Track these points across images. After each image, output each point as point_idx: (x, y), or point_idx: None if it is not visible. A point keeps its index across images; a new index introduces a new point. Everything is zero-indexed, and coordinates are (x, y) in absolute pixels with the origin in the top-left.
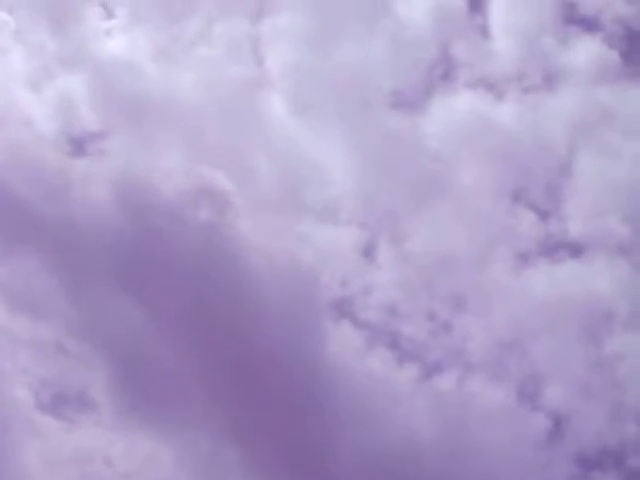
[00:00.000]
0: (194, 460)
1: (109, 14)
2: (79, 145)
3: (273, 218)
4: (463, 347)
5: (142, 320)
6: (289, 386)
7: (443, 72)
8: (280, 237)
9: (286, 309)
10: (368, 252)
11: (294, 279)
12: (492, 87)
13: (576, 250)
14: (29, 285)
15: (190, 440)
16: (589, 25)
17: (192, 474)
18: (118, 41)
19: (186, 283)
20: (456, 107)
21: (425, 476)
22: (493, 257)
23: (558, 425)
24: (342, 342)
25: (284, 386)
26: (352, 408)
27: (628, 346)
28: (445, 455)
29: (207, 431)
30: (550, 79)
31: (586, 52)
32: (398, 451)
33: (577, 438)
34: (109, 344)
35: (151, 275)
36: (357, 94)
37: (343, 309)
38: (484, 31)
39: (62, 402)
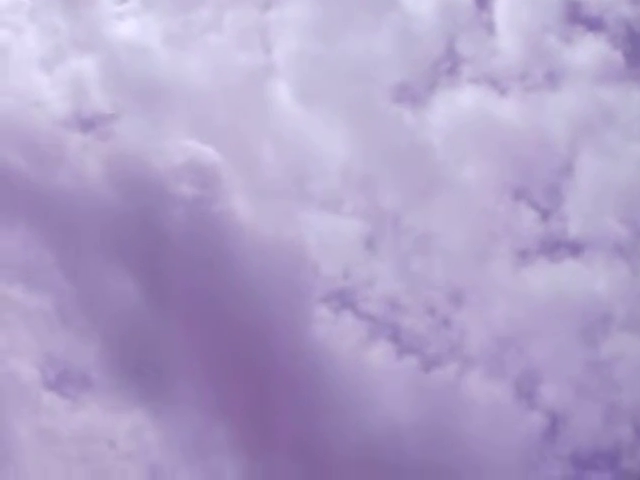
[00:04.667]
0: (184, 437)
1: None
2: (88, 125)
3: (275, 204)
4: (461, 342)
5: (135, 295)
6: (281, 370)
7: (448, 67)
8: (281, 223)
9: (282, 293)
10: (370, 244)
11: (292, 265)
12: (496, 83)
13: (575, 250)
14: (24, 257)
15: (181, 417)
16: (593, 25)
17: (181, 451)
18: (130, 25)
19: (182, 260)
20: (459, 102)
21: (409, 465)
22: (493, 253)
23: (554, 424)
24: (341, 332)
25: (276, 369)
26: (345, 395)
27: (625, 347)
28: (434, 448)
29: (198, 408)
30: (553, 77)
31: (589, 52)
32: (385, 441)
33: (572, 438)
34: (103, 318)
35: (147, 251)
36: (362, 85)
37: (344, 300)
38: (489, 28)
39: (59, 374)
